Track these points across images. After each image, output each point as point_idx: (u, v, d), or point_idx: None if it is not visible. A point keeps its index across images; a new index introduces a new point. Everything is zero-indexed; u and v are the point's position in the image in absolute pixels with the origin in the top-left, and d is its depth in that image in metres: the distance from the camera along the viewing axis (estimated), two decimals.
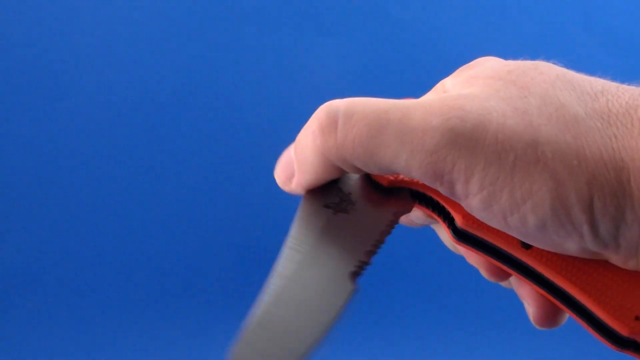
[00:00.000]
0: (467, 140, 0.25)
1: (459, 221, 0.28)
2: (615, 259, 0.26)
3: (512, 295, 0.31)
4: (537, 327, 0.30)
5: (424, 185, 0.29)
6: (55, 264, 1.00)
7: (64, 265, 0.99)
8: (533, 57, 0.29)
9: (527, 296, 0.29)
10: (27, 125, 1.00)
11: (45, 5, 1.00)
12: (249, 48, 1.02)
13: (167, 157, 1.01)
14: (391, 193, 0.30)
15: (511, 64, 0.28)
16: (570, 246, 0.26)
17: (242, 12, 1.03)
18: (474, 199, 0.26)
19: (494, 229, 0.28)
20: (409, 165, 0.26)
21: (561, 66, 0.28)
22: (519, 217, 0.25)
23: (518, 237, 0.27)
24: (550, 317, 0.29)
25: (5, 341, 0.96)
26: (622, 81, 0.27)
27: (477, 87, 0.27)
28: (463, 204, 0.27)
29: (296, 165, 0.30)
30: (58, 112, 1.00)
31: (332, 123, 0.27)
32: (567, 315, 0.29)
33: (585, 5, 1.07)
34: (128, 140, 1.01)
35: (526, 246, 0.28)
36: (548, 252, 0.27)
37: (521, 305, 0.30)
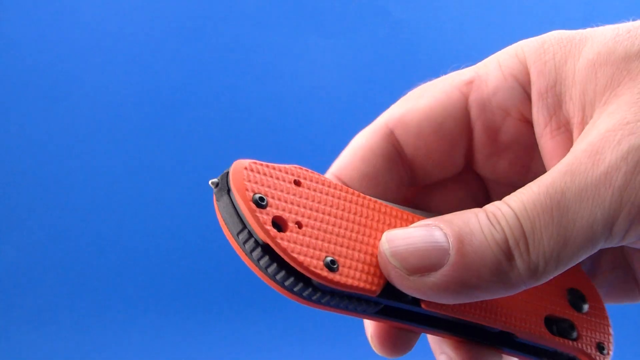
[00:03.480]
0: None
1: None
2: None
3: None
4: None
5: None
6: (55, 264, 1.00)
7: (64, 266, 0.99)
8: None
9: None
10: (27, 125, 1.00)
11: (45, 6, 0.99)
12: (249, 48, 1.02)
13: (166, 157, 1.01)
14: None
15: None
16: None
17: (242, 11, 1.03)
18: None
19: None
20: (608, 218, 0.21)
21: None
22: None
23: None
24: None
25: (5, 341, 0.96)
26: None
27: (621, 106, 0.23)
28: None
29: (456, 263, 0.22)
30: (58, 112, 1.00)
31: (519, 235, 0.22)
32: None
33: (585, 5, 1.07)
34: (128, 140, 1.01)
35: None
36: None
37: None
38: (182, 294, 1.00)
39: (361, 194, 0.26)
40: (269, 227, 0.23)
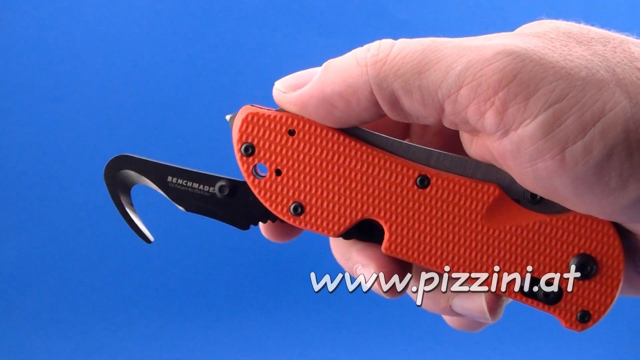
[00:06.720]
0: (533, 54, 0.22)
1: (385, 245, 0.27)
2: None
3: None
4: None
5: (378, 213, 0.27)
6: (55, 264, 1.00)
7: (64, 266, 1.00)
8: None
9: None
10: (27, 125, 1.00)
11: (45, 6, 1.00)
12: (249, 47, 1.02)
13: (167, 157, 1.01)
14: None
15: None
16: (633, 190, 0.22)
17: (242, 12, 1.03)
18: (531, 125, 0.22)
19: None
20: (460, 79, 0.23)
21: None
22: (584, 145, 0.21)
23: (563, 181, 0.22)
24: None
25: (5, 341, 0.97)
26: None
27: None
28: (505, 140, 0.23)
29: (319, 75, 0.27)
30: (58, 113, 1.00)
31: (386, 47, 0.25)
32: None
33: (585, 5, 1.07)
34: (129, 140, 1.01)
35: None
36: None
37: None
38: (182, 295, 1.00)
39: (352, 141, 0.27)
40: (247, 175, 0.27)
